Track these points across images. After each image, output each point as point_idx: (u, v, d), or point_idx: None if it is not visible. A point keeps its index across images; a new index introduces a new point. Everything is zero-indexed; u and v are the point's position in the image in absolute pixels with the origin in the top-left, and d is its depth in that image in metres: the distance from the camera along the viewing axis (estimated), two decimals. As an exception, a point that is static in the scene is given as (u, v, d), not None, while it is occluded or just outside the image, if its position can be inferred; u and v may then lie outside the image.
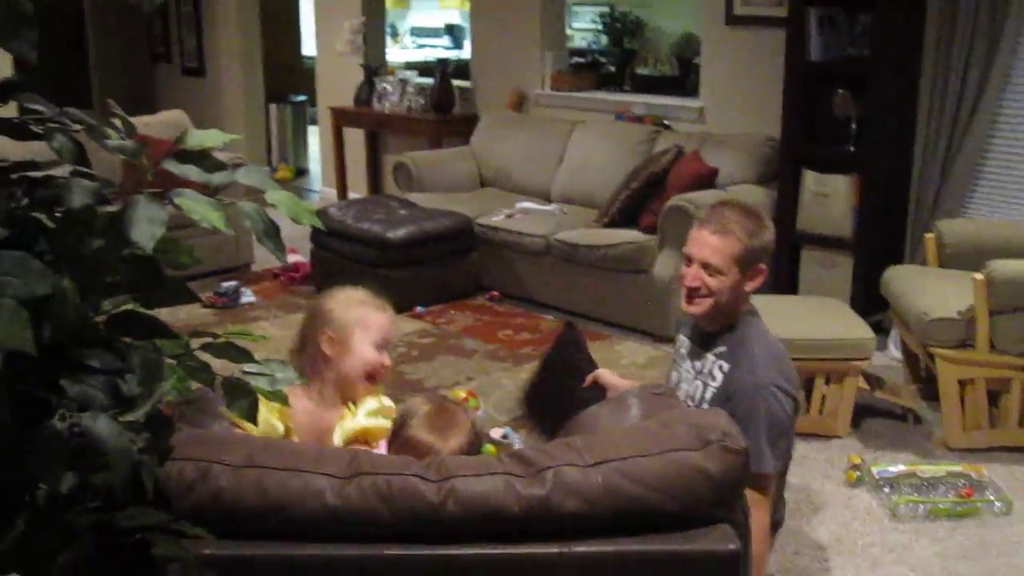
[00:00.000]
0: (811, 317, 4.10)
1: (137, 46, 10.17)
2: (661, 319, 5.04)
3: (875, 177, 4.86)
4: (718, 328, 2.63)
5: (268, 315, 5.70)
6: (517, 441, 4.01)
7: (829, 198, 5.00)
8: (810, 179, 5.06)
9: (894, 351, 4.74)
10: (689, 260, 2.59)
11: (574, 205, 6.08)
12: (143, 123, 6.62)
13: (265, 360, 1.44)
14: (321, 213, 6.04)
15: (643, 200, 5.39)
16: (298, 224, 1.38)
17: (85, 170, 1.23)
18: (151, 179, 1.31)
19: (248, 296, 5.93)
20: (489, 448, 3.93)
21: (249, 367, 1.43)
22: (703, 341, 2.68)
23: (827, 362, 3.93)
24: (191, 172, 1.26)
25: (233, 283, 5.98)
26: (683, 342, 2.81)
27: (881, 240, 4.96)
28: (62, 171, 1.19)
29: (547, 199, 6.29)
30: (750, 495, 2.39)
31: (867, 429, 4.08)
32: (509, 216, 5.91)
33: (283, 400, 1.47)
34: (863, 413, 4.13)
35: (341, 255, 5.88)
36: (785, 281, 5.16)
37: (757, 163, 5.40)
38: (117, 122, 1.30)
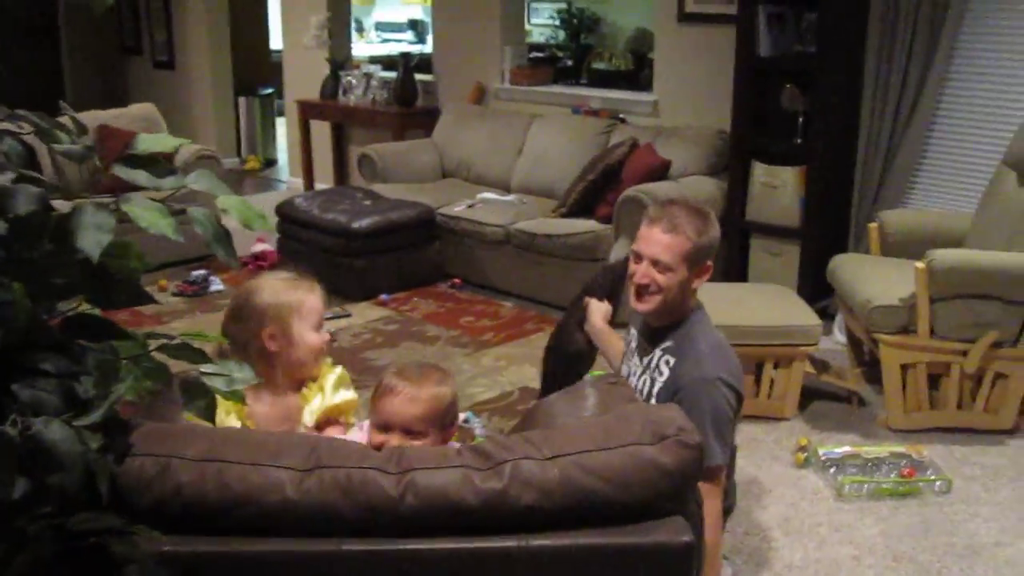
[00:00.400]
0: (760, 304, 4.08)
1: (108, 40, 9.96)
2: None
3: (821, 169, 4.85)
4: (665, 323, 2.58)
5: (236, 303, 5.60)
6: (478, 426, 3.97)
7: (777, 189, 4.98)
8: (759, 171, 5.04)
9: (839, 336, 4.74)
10: (639, 257, 2.53)
11: (533, 195, 6.03)
12: (113, 116, 6.50)
13: (222, 360, 1.38)
14: (287, 203, 5.95)
15: (599, 191, 5.35)
16: (249, 230, 1.31)
17: (31, 174, 1.16)
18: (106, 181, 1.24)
19: (217, 284, 5.83)
20: (451, 432, 3.90)
21: (206, 368, 1.37)
22: (650, 336, 2.63)
23: (775, 348, 3.91)
24: (140, 177, 1.19)
25: (202, 272, 5.88)
26: (632, 336, 2.76)
27: (827, 229, 4.95)
28: (4, 178, 1.12)
29: (507, 190, 6.23)
30: (702, 486, 2.37)
31: (814, 411, 4.08)
32: (470, 206, 5.85)
33: (241, 399, 1.42)
34: (810, 396, 4.12)
35: (307, 244, 5.79)
36: (735, 269, 5.15)
37: (709, 155, 5.37)
38: (69, 123, 1.23)
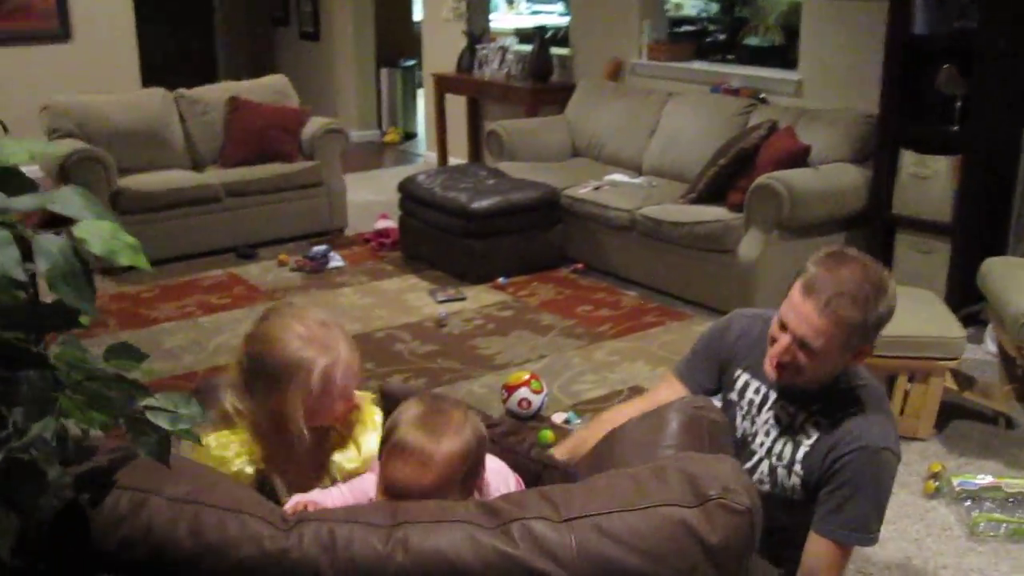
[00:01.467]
0: (899, 311, 3.65)
1: (259, 12, 10.10)
2: (745, 301, 4.65)
3: (979, 159, 4.38)
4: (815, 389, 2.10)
5: (354, 281, 5.51)
6: (580, 425, 3.73)
7: (928, 180, 4.53)
8: (909, 159, 4.59)
9: (991, 345, 4.28)
10: (783, 326, 2.00)
11: (664, 179, 5.72)
12: (245, 88, 6.50)
13: (166, 393, 1.19)
14: (410, 180, 5.82)
15: (731, 177, 5.00)
16: (114, 263, 1.08)
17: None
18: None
19: (336, 260, 5.76)
20: (547, 434, 3.67)
21: (148, 401, 1.18)
22: (792, 395, 2.13)
23: (912, 360, 3.52)
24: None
25: (323, 247, 5.82)
26: (752, 386, 2.21)
27: (983, 227, 4.48)
28: None
29: (638, 171, 5.93)
30: (827, 564, 1.99)
31: (953, 432, 3.67)
32: (596, 188, 5.58)
33: (195, 440, 1.23)
34: (950, 414, 3.71)
35: (427, 223, 5.65)
36: (878, 266, 4.71)
37: (853, 141, 4.94)
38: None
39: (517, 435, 2.11)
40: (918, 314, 3.64)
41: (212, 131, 6.27)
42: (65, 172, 5.42)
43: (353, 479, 1.74)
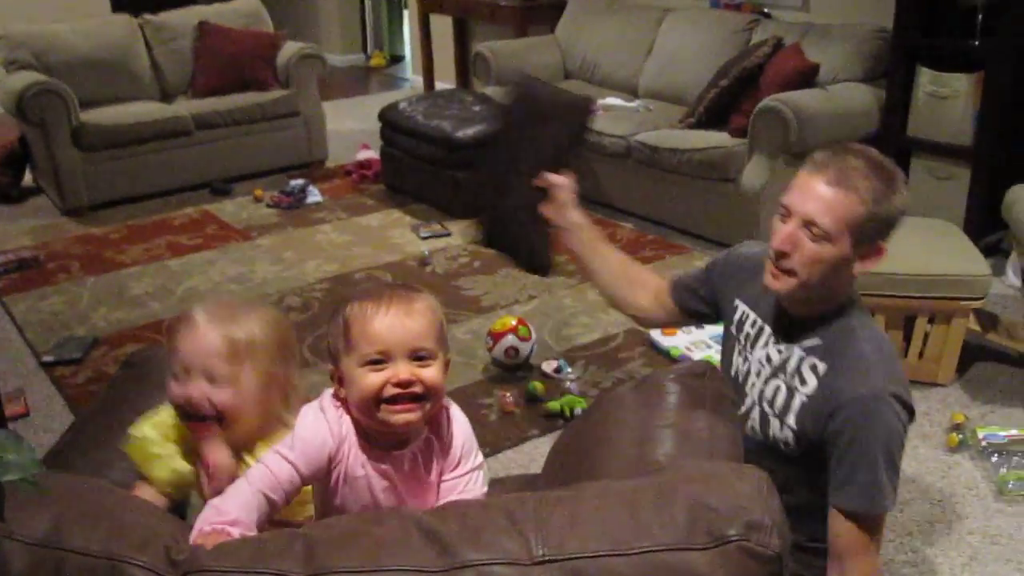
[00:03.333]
0: (916, 245, 3.35)
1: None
2: (748, 233, 4.32)
3: (1003, 77, 4.00)
4: (810, 313, 1.86)
5: (332, 217, 5.18)
6: (571, 377, 3.44)
7: (947, 100, 4.17)
8: (925, 77, 4.23)
9: (1013, 278, 3.96)
10: (787, 213, 1.79)
11: (662, 102, 5.35)
12: (215, 11, 6.07)
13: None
14: (391, 108, 5.44)
15: (734, 99, 4.63)
16: None
17: None
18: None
19: (315, 195, 5.42)
20: (536, 385, 3.37)
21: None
22: (787, 327, 1.90)
23: (932, 300, 3.21)
24: None
25: (300, 181, 5.48)
26: (750, 318, 1.99)
27: (1006, 151, 4.12)
28: None
29: (634, 94, 5.56)
30: (854, 540, 1.75)
31: (975, 377, 3.37)
32: (590, 114, 5.21)
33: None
34: (972, 356, 3.41)
35: (409, 153, 5.30)
36: (891, 193, 4.37)
37: (865, 58, 4.56)
38: None
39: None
40: (938, 249, 3.32)
41: (181, 59, 5.88)
42: (23, 107, 5.05)
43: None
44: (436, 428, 1.48)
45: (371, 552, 1.07)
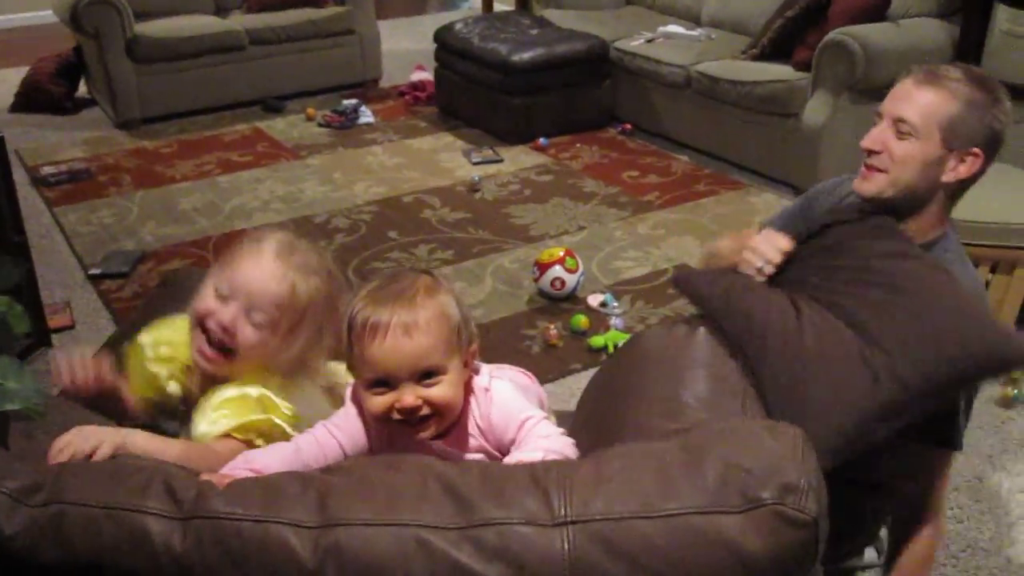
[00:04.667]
0: (983, 190, 3.19)
1: None
2: (807, 171, 4.18)
3: (1087, 15, 3.80)
4: None
5: (383, 139, 5.11)
6: (616, 312, 3.37)
7: (1025, 39, 3.97)
8: (1004, 14, 4.01)
9: (1082, 228, 3.79)
10: (879, 116, 1.78)
11: (724, 31, 5.17)
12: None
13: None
14: (446, 29, 5.32)
15: (799, 31, 4.45)
16: None
17: None
18: None
19: (367, 116, 5.35)
20: (580, 319, 3.30)
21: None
22: None
23: (995, 249, 3.08)
24: None
25: (353, 101, 5.40)
26: None
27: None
28: None
29: (696, 22, 5.37)
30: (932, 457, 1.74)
31: (1036, 330, 3.25)
32: (649, 41, 5.06)
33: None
34: (1032, 308, 3.28)
35: (464, 77, 5.19)
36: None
37: (940, -9, 4.35)
38: None
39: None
40: (1004, 195, 3.17)
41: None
42: (77, 17, 5.01)
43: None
44: (464, 419, 1.39)
45: (387, 504, 1.02)
